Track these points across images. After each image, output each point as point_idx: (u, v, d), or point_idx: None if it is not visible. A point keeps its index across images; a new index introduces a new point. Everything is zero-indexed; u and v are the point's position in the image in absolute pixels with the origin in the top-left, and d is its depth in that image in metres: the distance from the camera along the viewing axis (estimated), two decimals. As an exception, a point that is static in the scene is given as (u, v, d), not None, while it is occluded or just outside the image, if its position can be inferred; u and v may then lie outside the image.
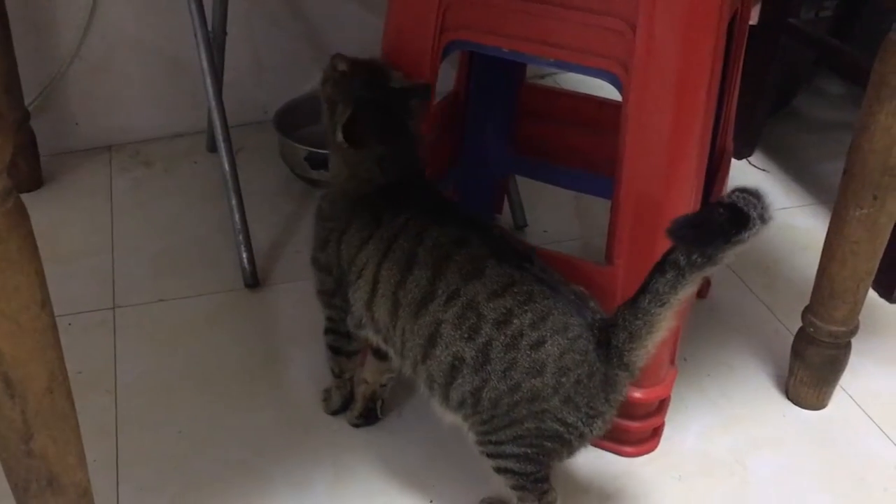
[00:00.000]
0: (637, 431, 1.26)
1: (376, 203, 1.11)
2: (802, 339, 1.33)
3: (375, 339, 1.14)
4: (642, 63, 1.02)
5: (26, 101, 1.72)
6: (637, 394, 1.22)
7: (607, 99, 1.70)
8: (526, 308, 1.00)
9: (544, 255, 1.20)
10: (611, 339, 0.98)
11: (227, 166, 1.55)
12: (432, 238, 1.05)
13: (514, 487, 1.10)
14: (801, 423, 1.34)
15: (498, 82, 1.50)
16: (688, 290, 0.92)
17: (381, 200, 1.10)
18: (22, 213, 0.74)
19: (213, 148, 1.90)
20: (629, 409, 1.24)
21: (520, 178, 1.66)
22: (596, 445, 1.28)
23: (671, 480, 1.25)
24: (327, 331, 1.23)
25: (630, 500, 1.22)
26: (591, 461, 1.27)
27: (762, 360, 1.44)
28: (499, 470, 1.09)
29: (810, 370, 1.33)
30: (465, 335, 1.01)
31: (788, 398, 1.37)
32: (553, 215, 1.74)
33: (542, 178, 1.61)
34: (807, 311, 1.31)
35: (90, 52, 1.81)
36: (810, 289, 1.30)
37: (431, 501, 1.22)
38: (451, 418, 1.09)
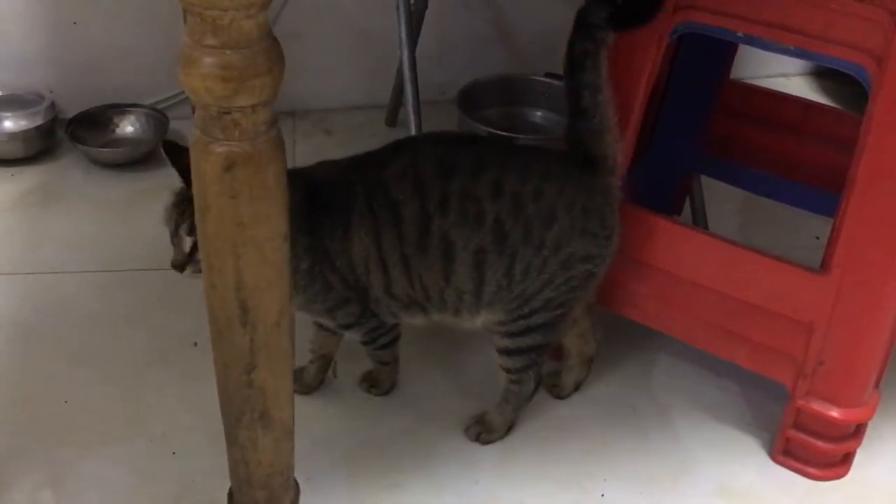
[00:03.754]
0: (828, 453, 1.18)
1: (328, 214, 1.08)
2: None
3: (410, 319, 1.17)
4: (902, 57, 0.94)
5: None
6: (834, 413, 1.14)
7: (814, 102, 1.62)
8: (507, 171, 1.06)
9: (747, 258, 1.15)
10: (585, 153, 1.08)
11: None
12: (392, 179, 1.07)
13: (525, 368, 1.17)
14: None
15: (701, 76, 1.44)
16: (604, 68, 1.04)
17: (326, 210, 1.08)
18: (280, 145, 0.76)
19: (391, 122, 1.92)
20: (822, 429, 1.16)
21: (705, 181, 1.59)
22: (781, 464, 1.22)
23: (862, 511, 1.16)
24: (373, 340, 1.21)
25: (818, 525, 1.15)
26: (774, 478, 1.20)
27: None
28: (520, 351, 1.15)
29: None
30: (474, 225, 1.06)
31: None
32: (737, 221, 1.66)
33: (732, 181, 1.54)
34: None
35: (288, 18, 1.87)
36: None
37: (603, 496, 1.18)
38: (477, 323, 1.15)
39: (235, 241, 0.76)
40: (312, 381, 1.29)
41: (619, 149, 1.10)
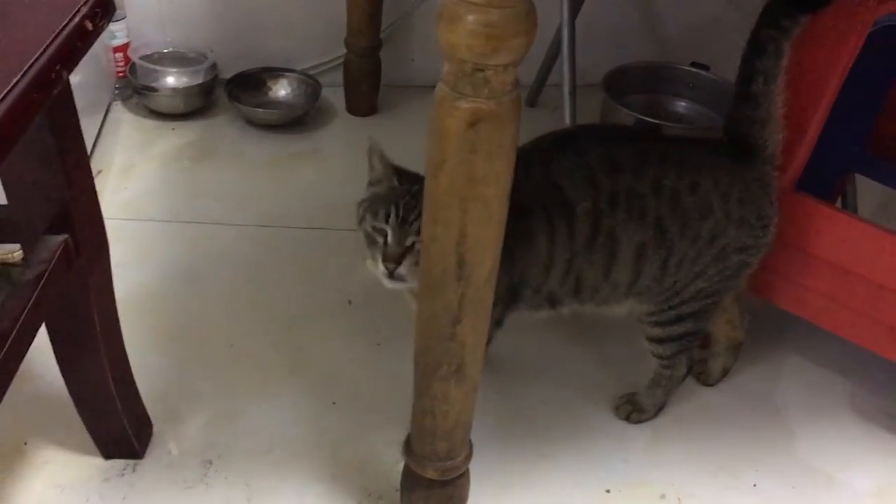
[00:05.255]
0: None
1: None
2: None
3: (530, 314, 1.15)
4: None
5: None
6: None
7: None
8: (665, 166, 1.06)
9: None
10: (745, 143, 1.07)
11: (568, 119, 1.57)
12: (562, 177, 1.05)
13: (674, 355, 1.18)
14: None
15: (874, 72, 1.41)
16: (786, 59, 1.02)
17: None
18: (520, 107, 0.78)
19: (532, 103, 1.94)
20: None
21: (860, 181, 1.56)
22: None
23: None
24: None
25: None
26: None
27: None
28: (671, 339, 1.15)
29: None
30: (638, 221, 1.05)
31: None
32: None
33: (892, 183, 1.50)
34: None
35: (437, -4, 1.90)
36: None
37: (755, 485, 1.18)
38: (620, 312, 1.15)
39: (465, 196, 0.79)
40: None
41: (780, 140, 1.09)
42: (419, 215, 0.96)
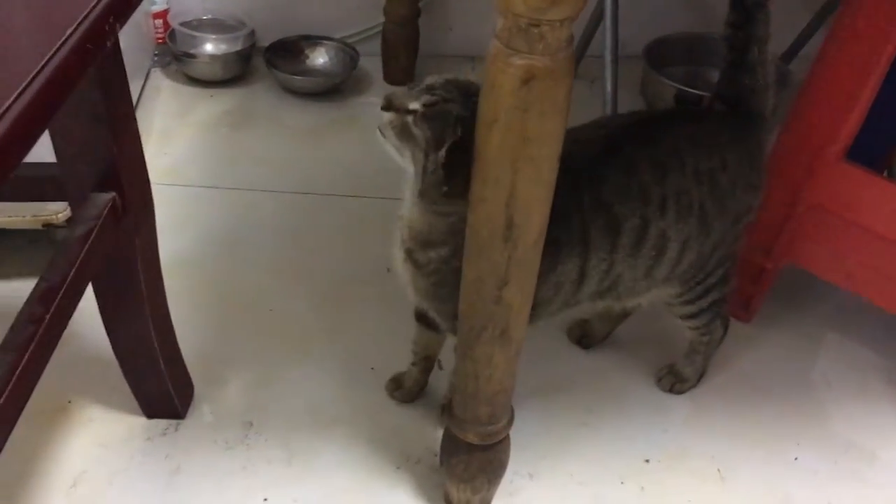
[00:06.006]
0: None
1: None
2: None
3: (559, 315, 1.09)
4: None
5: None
6: None
7: None
8: (699, 150, 1.03)
9: None
10: (746, 111, 1.07)
11: (609, 86, 1.55)
12: (613, 195, 0.98)
13: (713, 319, 1.16)
14: None
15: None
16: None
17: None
18: (573, 65, 0.76)
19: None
20: None
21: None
22: None
23: None
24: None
25: None
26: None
27: None
28: (702, 312, 1.14)
29: None
30: (686, 217, 1.02)
31: None
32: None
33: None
34: None
35: (476, -36, 1.87)
36: None
37: (796, 459, 1.17)
38: (641, 301, 1.12)
39: (517, 156, 0.78)
40: (414, 385, 1.20)
41: (772, 102, 1.09)
42: (428, 91, 0.93)
